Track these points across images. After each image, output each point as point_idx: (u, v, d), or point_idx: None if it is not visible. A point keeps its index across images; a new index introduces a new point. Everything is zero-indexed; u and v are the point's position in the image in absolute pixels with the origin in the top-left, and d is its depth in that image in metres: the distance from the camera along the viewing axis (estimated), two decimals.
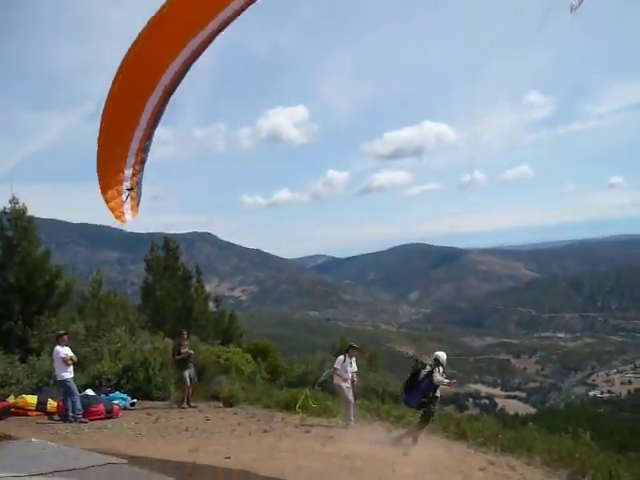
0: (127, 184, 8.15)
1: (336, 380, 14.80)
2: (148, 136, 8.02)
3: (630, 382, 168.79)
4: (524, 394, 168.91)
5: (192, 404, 16.75)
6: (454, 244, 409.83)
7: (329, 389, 15.71)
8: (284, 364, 30.74)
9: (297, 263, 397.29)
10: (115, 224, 8.18)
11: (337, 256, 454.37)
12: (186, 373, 16.73)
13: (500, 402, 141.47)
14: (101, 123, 7.49)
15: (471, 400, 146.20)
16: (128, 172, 8.09)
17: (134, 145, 7.88)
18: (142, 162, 8.33)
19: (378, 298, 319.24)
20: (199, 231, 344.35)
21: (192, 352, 17.50)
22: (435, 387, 12.46)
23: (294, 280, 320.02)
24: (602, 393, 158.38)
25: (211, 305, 32.95)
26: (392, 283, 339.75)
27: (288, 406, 16.59)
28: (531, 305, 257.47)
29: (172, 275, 30.45)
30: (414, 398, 12.63)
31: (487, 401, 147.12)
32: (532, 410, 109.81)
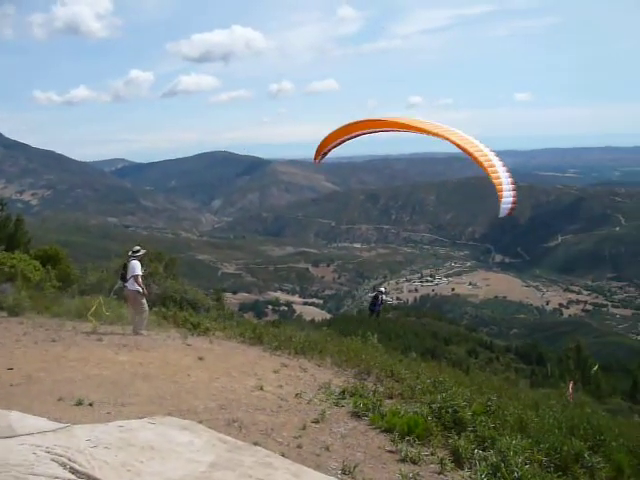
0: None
1: (136, 287, 14.22)
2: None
3: (416, 290, 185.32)
4: (321, 301, 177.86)
5: None
6: (259, 154, 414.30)
7: (124, 297, 15.10)
8: (77, 271, 29.38)
9: (94, 167, 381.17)
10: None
11: (138, 161, 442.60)
12: None
13: (298, 309, 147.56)
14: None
15: (270, 307, 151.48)
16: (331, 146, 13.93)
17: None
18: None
19: (180, 206, 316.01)
20: None
21: None
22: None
23: (91, 184, 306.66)
24: (391, 300, 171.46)
25: None
26: (195, 191, 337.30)
27: (80, 315, 15.85)
28: (330, 216, 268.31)
29: None
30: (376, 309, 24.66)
31: (286, 308, 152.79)
32: (328, 316, 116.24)
